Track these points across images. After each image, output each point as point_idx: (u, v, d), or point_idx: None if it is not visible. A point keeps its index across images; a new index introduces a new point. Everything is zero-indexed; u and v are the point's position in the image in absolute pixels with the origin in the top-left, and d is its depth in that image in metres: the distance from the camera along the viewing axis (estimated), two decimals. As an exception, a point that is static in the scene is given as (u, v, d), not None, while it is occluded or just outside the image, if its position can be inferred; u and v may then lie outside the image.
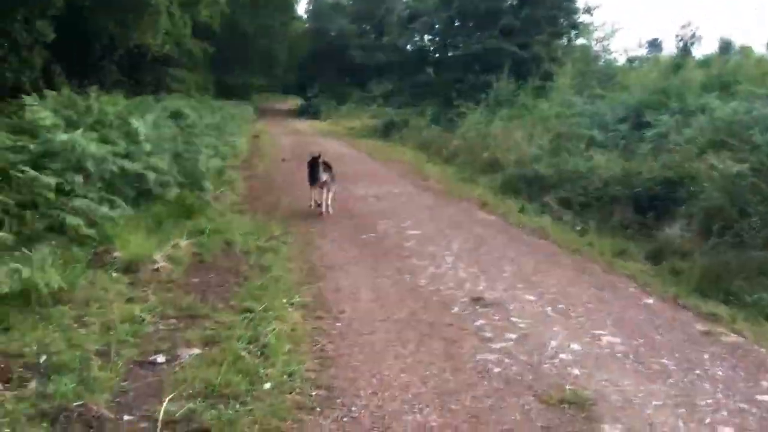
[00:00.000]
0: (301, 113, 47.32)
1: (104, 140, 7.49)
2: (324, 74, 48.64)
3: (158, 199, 7.82)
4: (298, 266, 6.21)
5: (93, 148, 6.03)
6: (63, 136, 5.87)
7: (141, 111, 9.86)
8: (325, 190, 8.92)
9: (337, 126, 33.59)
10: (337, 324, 4.65)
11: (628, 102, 13.58)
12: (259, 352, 3.97)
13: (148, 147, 7.55)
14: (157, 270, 5.66)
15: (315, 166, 8.69)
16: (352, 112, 38.77)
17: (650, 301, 5.64)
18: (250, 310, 4.71)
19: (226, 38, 35.69)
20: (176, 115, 12.92)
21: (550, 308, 5.17)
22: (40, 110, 7.44)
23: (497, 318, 4.86)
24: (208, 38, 31.73)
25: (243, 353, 3.89)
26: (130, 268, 5.69)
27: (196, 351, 4.00)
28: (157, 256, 5.94)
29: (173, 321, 4.56)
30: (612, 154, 11.11)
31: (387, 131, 26.02)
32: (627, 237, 8.57)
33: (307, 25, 51.93)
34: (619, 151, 11.26)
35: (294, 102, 59.13)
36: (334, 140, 23.97)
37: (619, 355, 4.31)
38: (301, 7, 53.52)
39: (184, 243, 6.67)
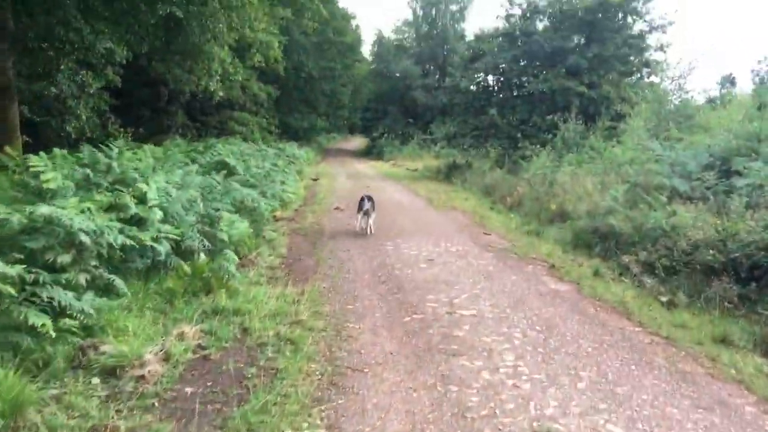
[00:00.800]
0: (365, 154, 47.06)
1: (113, 206, 6.61)
2: (388, 115, 48.31)
3: (174, 272, 6.85)
4: (319, 369, 5.00)
5: (81, 221, 5.08)
6: (44, 209, 4.96)
7: (171, 166, 9.05)
8: (368, 217, 11.63)
9: (399, 167, 32.81)
10: (351, 480, 3.44)
11: (713, 147, 12.05)
12: None
13: (158, 214, 6.59)
14: (143, 377, 4.61)
15: (362, 200, 11.71)
16: (415, 153, 38.06)
17: (778, 431, 4.19)
18: (239, 453, 3.57)
19: (291, 81, 35.87)
20: (220, 166, 12.16)
21: (645, 452, 3.81)
22: (46, 171, 6.67)
23: (572, 472, 3.54)
24: (273, 82, 31.82)
25: None
26: (113, 371, 4.68)
27: None
28: (149, 355, 4.91)
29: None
30: (698, 208, 9.64)
31: (449, 174, 24.97)
32: (725, 313, 7.13)
33: (372, 67, 51.87)
34: (707, 204, 9.77)
35: (359, 142, 59.13)
36: (394, 184, 23.03)
37: None
38: (366, 48, 53.80)
39: (191, 330, 5.64)
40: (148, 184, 6.84)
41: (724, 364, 5.53)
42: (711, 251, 8.08)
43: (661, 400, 4.59)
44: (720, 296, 7.46)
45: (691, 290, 7.86)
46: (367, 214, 11.61)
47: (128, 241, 5.71)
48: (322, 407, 4.30)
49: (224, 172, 10.56)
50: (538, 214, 13.70)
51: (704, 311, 7.19)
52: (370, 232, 11.62)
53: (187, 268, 6.72)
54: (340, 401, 4.42)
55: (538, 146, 19.60)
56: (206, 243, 7.36)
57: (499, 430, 4.06)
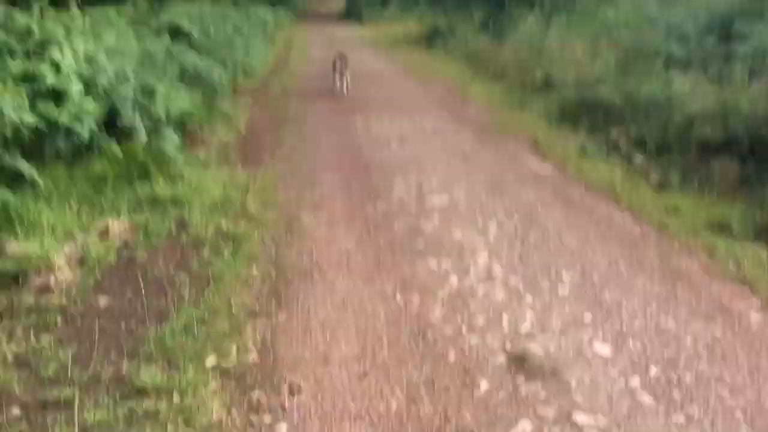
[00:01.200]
0: (344, 17, 44.49)
1: (28, 76, 5.63)
2: (368, -28, 45.01)
3: (107, 153, 5.97)
4: (260, 274, 4.30)
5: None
6: None
7: (106, 28, 7.91)
8: (342, 77, 11.64)
9: (378, 33, 30.93)
10: (279, 425, 2.80)
11: (713, 6, 11.00)
12: None
13: (78, 86, 5.60)
14: (48, 286, 3.90)
15: (336, 60, 11.73)
16: (396, 16, 35.84)
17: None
18: (145, 391, 2.91)
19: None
20: (171, 30, 10.91)
21: (637, 380, 3.19)
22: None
23: (552, 411, 2.93)
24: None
25: None
26: (16, 279, 3.96)
27: None
28: (61, 258, 4.17)
29: (15, 414, 2.81)
30: (696, 75, 8.80)
31: (431, 40, 23.39)
32: (721, 196, 6.50)
33: None
34: (707, 73, 8.90)
35: (337, 3, 55.84)
36: (372, 52, 21.64)
37: None
38: None
39: (118, 224, 4.89)
40: (61, 49, 5.78)
41: (722, 254, 4.93)
42: (709, 126, 7.35)
43: (654, 307, 3.97)
44: (717, 176, 6.81)
45: (685, 169, 7.18)
46: (341, 73, 11.64)
47: (35, 120, 4.80)
48: (258, 325, 3.63)
49: (166, 35, 9.34)
50: (522, 84, 12.74)
51: (698, 191, 6.55)
52: (346, 92, 11.64)
53: (117, 150, 5.84)
54: (280, 317, 3.74)
55: (526, 8, 18.13)
56: (145, 121, 6.45)
57: (467, 348, 3.44)
